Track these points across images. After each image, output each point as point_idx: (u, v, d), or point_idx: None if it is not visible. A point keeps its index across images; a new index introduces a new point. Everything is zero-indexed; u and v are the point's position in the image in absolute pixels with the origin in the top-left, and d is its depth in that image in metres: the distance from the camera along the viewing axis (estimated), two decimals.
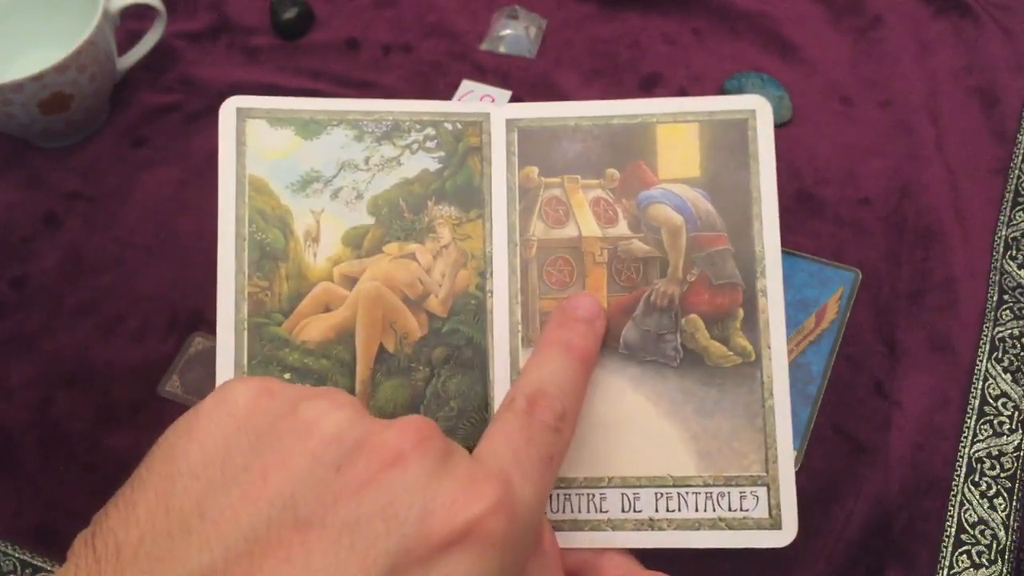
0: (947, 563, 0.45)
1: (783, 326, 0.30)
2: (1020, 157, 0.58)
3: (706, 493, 0.29)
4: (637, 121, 0.32)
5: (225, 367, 0.30)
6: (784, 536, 0.29)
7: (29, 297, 0.55)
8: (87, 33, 0.55)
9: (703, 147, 0.32)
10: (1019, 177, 0.57)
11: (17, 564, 0.47)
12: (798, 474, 0.47)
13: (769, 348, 0.30)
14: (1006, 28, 0.63)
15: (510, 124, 0.32)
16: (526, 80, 0.63)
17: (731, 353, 0.30)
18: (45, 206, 0.58)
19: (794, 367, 0.50)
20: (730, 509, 0.29)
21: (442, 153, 0.32)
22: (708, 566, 0.44)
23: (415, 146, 0.32)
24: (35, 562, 0.47)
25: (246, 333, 0.30)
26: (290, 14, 0.65)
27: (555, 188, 0.32)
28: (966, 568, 0.45)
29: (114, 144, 0.61)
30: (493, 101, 0.61)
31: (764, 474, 0.30)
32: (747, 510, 0.29)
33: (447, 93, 0.62)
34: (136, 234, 0.57)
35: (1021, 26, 0.63)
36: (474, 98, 0.62)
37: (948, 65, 0.62)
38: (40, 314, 0.54)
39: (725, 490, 0.29)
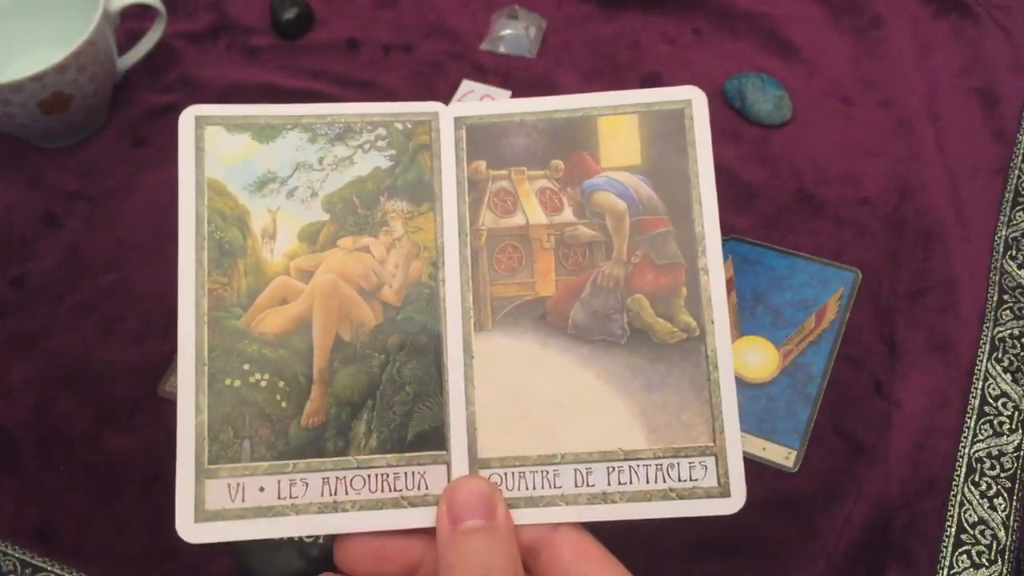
0: (947, 563, 0.45)
1: (725, 302, 0.32)
2: (1020, 157, 0.58)
3: (656, 465, 0.30)
4: (579, 115, 0.34)
5: (186, 360, 0.31)
6: (733, 503, 0.30)
7: (29, 297, 0.55)
8: (87, 33, 0.55)
9: (643, 136, 0.33)
10: (1019, 177, 0.57)
11: (17, 564, 0.47)
12: (798, 474, 0.47)
13: (712, 323, 0.31)
14: (1006, 28, 0.63)
15: (458, 122, 0.34)
16: (526, 80, 0.63)
17: (676, 329, 0.31)
18: (45, 206, 0.58)
19: (794, 367, 0.50)
20: (680, 480, 0.30)
21: (393, 151, 0.33)
22: (708, 566, 0.44)
23: (367, 146, 0.33)
24: (35, 562, 0.47)
25: (206, 327, 0.31)
26: (290, 14, 0.65)
27: (503, 180, 0.33)
28: (966, 568, 0.45)
29: (114, 144, 0.61)
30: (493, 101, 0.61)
31: (712, 444, 0.30)
32: (696, 479, 0.30)
33: (447, 93, 0.62)
34: (136, 234, 0.57)
35: (1021, 26, 0.63)
36: (474, 98, 0.62)
37: (948, 65, 0.62)
38: (40, 314, 0.54)
39: (675, 461, 0.30)
